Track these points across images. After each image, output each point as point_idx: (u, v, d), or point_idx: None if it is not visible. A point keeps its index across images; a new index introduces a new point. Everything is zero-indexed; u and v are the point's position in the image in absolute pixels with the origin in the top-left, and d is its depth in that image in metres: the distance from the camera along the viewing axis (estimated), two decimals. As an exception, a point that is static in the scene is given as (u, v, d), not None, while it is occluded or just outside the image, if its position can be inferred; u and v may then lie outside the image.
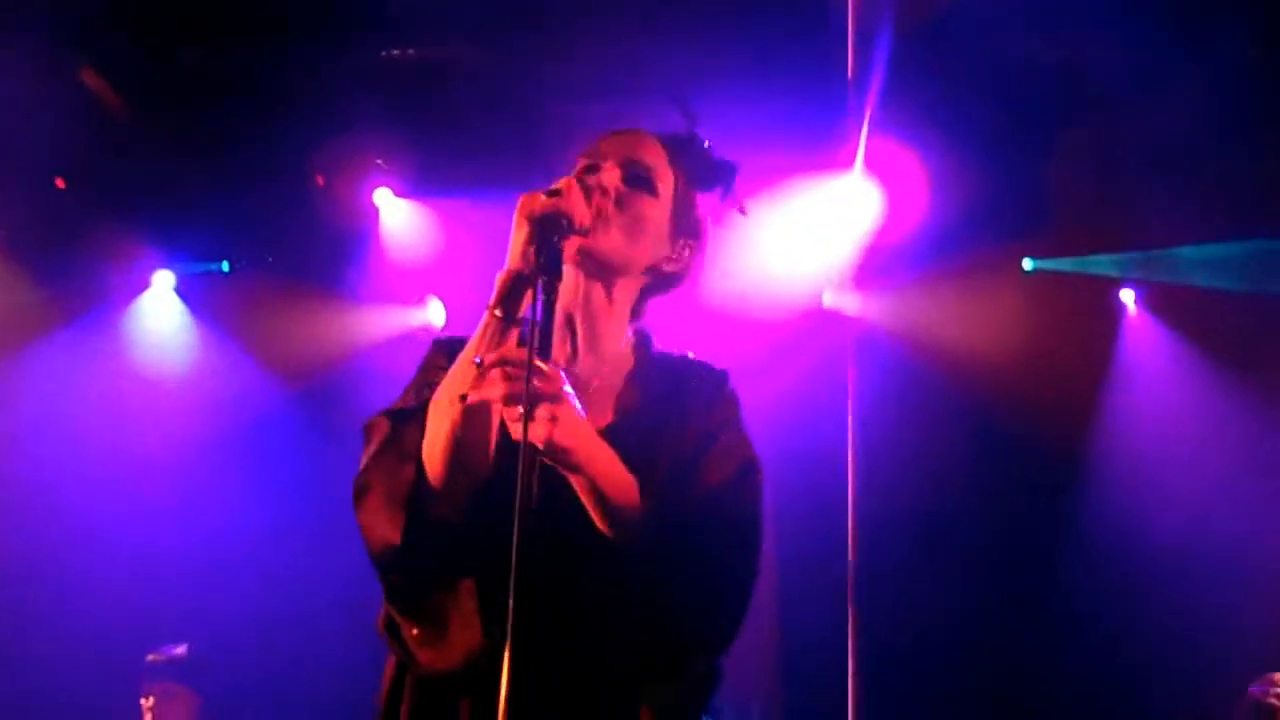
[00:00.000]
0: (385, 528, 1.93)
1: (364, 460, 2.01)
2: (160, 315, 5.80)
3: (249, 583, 5.41)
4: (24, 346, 5.56)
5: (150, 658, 4.81)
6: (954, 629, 5.19)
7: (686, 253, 2.14)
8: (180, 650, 4.81)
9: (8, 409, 5.52)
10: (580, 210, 1.97)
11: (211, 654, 4.91)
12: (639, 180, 2.08)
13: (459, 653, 1.93)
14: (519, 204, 1.94)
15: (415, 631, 1.97)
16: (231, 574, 5.42)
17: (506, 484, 1.73)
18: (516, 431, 1.76)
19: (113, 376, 5.67)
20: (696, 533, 1.94)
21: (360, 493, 1.98)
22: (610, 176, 2.07)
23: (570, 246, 1.95)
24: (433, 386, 2.00)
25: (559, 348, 2.05)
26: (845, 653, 4.80)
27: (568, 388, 1.85)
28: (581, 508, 1.90)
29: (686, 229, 2.13)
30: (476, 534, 1.90)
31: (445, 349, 2.11)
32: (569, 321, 2.10)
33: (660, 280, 2.14)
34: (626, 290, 2.12)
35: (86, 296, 5.70)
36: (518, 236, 1.92)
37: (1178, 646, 4.95)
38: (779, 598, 5.34)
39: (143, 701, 4.75)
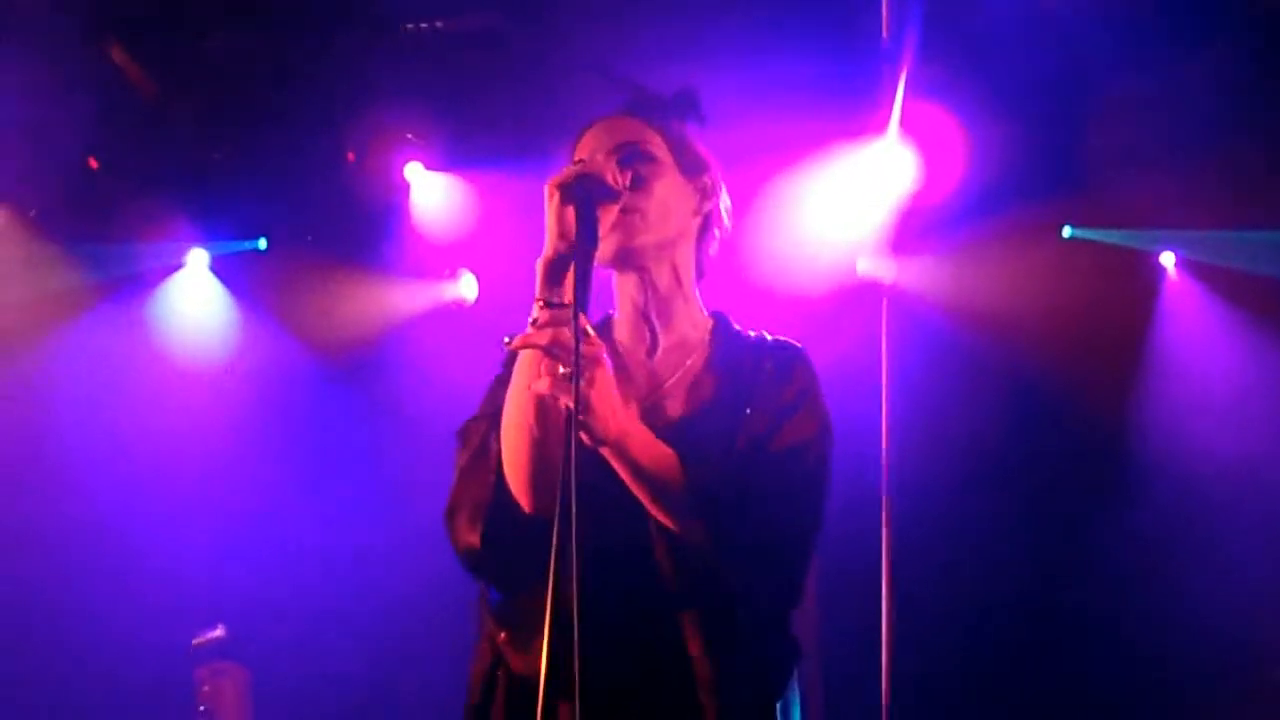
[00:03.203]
0: (467, 532, 1.97)
1: (457, 469, 2.06)
2: (194, 294, 5.81)
3: (290, 560, 5.44)
4: (57, 328, 5.59)
5: (194, 642, 4.91)
6: (992, 598, 5.16)
7: (708, 182, 2.16)
8: (218, 632, 4.90)
9: (41, 392, 5.55)
10: (609, 171, 1.94)
11: (257, 634, 4.98)
12: (635, 157, 2.09)
13: (540, 664, 1.94)
14: (547, 185, 1.93)
15: (503, 635, 2.01)
16: (273, 552, 5.45)
17: (584, 485, 1.73)
18: (544, 387, 1.78)
19: (147, 352, 5.70)
20: (761, 493, 1.94)
21: (452, 501, 2.02)
22: (610, 172, 2.03)
23: (608, 216, 1.93)
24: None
25: (637, 344, 2.10)
26: (879, 622, 4.77)
27: (606, 355, 1.85)
28: (631, 496, 1.90)
29: (694, 166, 2.14)
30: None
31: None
32: (643, 316, 2.11)
33: (704, 224, 2.16)
34: (685, 258, 2.13)
35: (121, 277, 5.73)
36: (550, 211, 1.91)
37: (1224, 613, 4.90)
38: (816, 565, 5.31)
39: (198, 683, 4.86)
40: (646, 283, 2.10)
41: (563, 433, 1.84)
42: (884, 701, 4.64)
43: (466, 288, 5.66)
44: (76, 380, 5.57)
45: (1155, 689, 5.05)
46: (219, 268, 5.80)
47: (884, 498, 4.78)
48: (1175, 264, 5.44)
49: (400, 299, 5.67)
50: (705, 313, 2.17)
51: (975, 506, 5.23)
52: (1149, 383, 5.37)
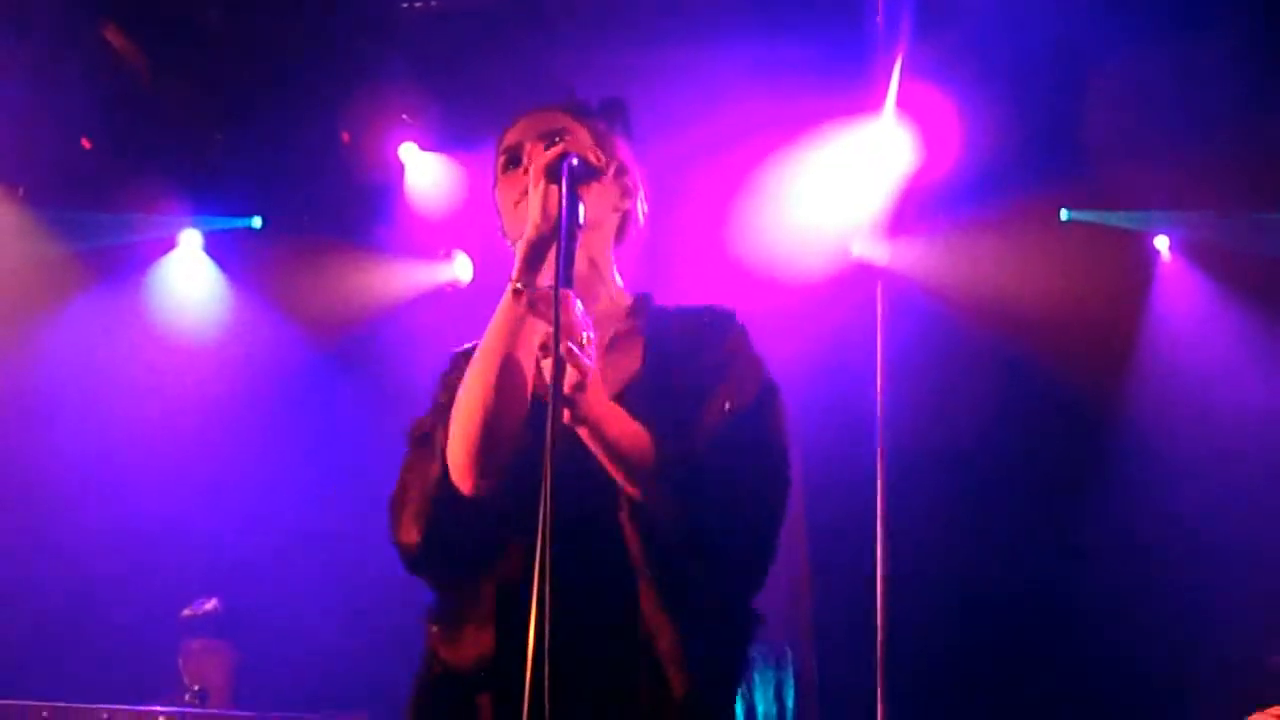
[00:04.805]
0: (408, 529, 1.98)
1: (402, 467, 2.07)
2: (188, 273, 5.80)
3: (281, 543, 5.44)
4: (51, 308, 5.57)
5: (185, 613, 4.90)
6: (987, 581, 5.17)
7: (628, 183, 2.17)
8: (211, 605, 4.89)
9: (31, 372, 5.53)
10: (589, 150, 1.97)
11: (245, 613, 4.97)
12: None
13: (470, 654, 1.96)
14: (531, 168, 1.95)
15: (435, 629, 2.02)
16: (264, 534, 5.45)
17: (535, 466, 1.72)
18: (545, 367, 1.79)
19: (141, 330, 5.69)
20: (718, 461, 1.94)
21: (396, 497, 2.03)
22: (539, 156, 2.02)
23: (589, 194, 1.95)
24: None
25: None
26: (874, 601, 4.79)
27: (590, 334, 1.86)
28: (605, 477, 1.90)
29: (618, 169, 2.16)
30: (502, 520, 1.92)
31: (466, 359, 2.11)
32: None
33: (621, 224, 2.17)
34: (601, 248, 2.14)
35: (114, 255, 5.71)
36: (535, 192, 1.92)
37: (1216, 595, 4.91)
38: (810, 548, 5.33)
39: (185, 656, 4.85)
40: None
41: (517, 413, 1.90)
42: (878, 682, 4.66)
43: (461, 268, 5.66)
44: (70, 359, 5.56)
45: (1151, 672, 5.06)
46: (213, 246, 5.79)
47: (879, 478, 4.79)
48: (1170, 246, 5.44)
49: (395, 279, 5.67)
50: (627, 295, 2.17)
51: (970, 489, 5.23)
52: (1144, 364, 5.37)
